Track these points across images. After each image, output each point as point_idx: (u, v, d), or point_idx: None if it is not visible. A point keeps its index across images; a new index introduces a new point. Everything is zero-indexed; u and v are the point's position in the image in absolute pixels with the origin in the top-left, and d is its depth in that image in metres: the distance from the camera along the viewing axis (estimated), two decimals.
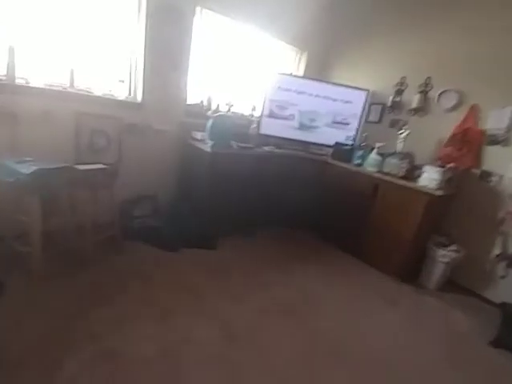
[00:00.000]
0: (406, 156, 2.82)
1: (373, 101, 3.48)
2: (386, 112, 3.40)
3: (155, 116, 2.70)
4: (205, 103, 2.97)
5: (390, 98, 3.30)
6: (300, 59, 3.75)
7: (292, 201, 3.25)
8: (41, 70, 2.16)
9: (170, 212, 2.88)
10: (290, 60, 3.70)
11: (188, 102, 2.90)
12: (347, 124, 3.50)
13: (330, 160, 3.28)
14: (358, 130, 3.52)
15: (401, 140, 2.94)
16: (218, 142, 2.54)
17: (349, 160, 3.18)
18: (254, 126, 2.95)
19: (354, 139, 3.52)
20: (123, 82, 2.55)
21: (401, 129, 3.01)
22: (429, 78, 3.04)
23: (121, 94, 2.58)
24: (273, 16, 3.19)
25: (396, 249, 2.74)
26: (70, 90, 2.29)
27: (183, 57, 2.74)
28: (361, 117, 3.49)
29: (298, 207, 3.31)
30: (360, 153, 3.08)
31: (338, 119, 3.48)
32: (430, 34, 3.07)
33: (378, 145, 2.96)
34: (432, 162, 2.75)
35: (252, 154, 2.84)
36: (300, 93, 3.36)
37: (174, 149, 2.92)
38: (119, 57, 2.49)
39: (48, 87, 2.18)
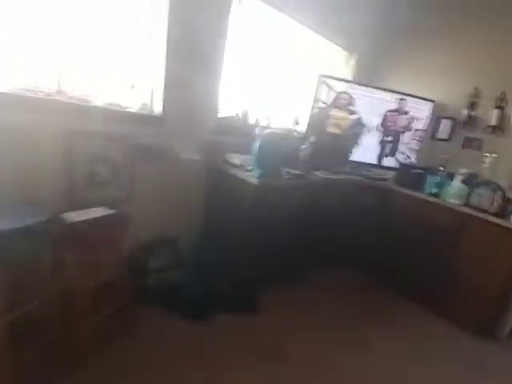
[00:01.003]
0: (498, 187, 2.15)
1: (440, 114, 2.82)
2: (457, 128, 2.75)
3: (178, 134, 1.96)
4: (240, 116, 2.26)
5: (464, 111, 2.65)
6: (349, 62, 3.09)
7: (347, 238, 2.55)
8: (13, 71, 1.42)
9: (195, 262, 2.13)
10: (338, 64, 3.03)
11: (219, 115, 2.19)
12: (408, 141, 2.83)
13: (394, 187, 2.58)
14: (420, 148, 2.86)
15: (486, 165, 2.29)
16: (268, 170, 1.82)
17: (418, 187, 2.50)
18: (304, 145, 2.25)
19: (416, 160, 2.87)
20: (134, 87, 1.82)
21: (481, 150, 2.38)
22: (503, 92, 2.42)
23: (132, 104, 1.85)
24: (324, 13, 2.53)
25: (481, 301, 2.11)
26: (57, 97, 1.55)
27: (216, 56, 2.04)
28: (425, 133, 2.83)
29: (353, 246, 2.61)
30: (436, 179, 2.40)
31: (396, 135, 2.80)
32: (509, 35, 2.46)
33: (461, 171, 2.29)
34: None
35: (305, 183, 2.13)
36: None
37: (201, 177, 2.19)
38: (130, 54, 1.78)
39: (24, 93, 1.44)
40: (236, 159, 2.02)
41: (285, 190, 1.97)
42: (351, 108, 2.57)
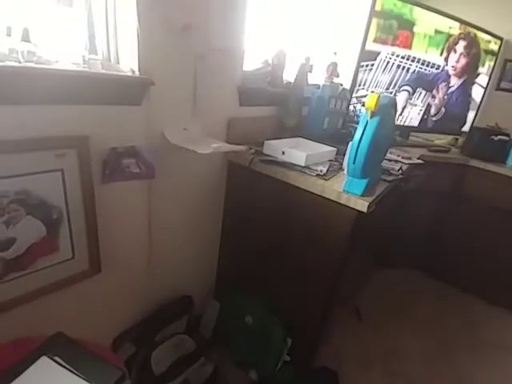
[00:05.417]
0: None
1: (508, 57, 2.08)
2: None
3: (175, 115, 0.95)
4: (272, 65, 1.25)
5: None
6: None
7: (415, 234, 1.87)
8: None
9: (228, 331, 1.24)
10: None
11: (245, 69, 1.16)
12: (464, 93, 2.05)
13: (474, 162, 1.85)
14: (480, 103, 2.13)
15: None
16: (374, 174, 0.93)
17: (496, 160, 1.82)
18: None
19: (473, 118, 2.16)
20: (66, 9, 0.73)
21: None
22: None
23: (62, 57, 0.76)
24: None
25: None
26: None
27: None
28: (488, 81, 2.09)
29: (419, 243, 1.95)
30: None
31: (444, 85, 2.00)
32: None
33: None
34: None
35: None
36: None
37: (220, 190, 1.22)
38: None
39: None
40: (292, 153, 1.06)
41: (386, 202, 1.11)
42: None
